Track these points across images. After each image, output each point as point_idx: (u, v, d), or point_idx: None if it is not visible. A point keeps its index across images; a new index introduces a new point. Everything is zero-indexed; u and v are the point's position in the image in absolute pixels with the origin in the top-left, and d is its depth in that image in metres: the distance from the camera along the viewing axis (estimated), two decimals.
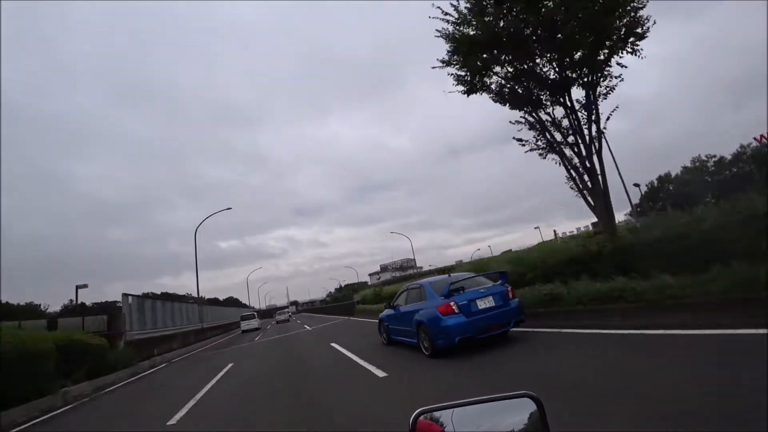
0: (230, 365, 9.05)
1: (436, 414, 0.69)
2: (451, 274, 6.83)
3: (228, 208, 30.22)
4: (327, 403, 4.21)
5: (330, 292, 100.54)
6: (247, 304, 53.52)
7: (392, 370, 5.06)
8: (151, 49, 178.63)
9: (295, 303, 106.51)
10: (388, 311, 7.31)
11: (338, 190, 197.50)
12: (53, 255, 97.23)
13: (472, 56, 8.31)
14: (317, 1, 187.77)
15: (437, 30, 8.44)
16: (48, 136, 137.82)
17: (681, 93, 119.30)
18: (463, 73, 8.75)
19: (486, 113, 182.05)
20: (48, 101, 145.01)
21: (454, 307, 5.01)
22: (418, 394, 3.92)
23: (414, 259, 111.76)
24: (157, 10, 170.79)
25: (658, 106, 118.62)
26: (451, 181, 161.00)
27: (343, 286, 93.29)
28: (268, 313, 64.01)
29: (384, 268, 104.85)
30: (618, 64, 7.90)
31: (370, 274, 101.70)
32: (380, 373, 5.00)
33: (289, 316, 36.43)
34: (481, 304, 5.10)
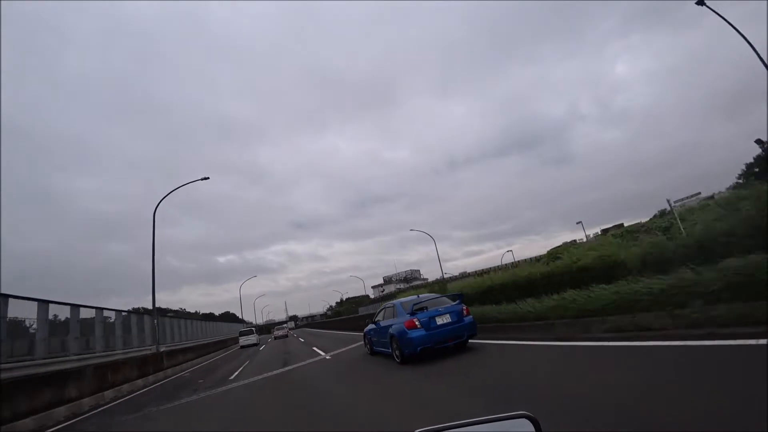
0: None
1: None
2: (420, 295, 8.06)
3: (206, 178, 19.91)
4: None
5: (331, 306, 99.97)
6: (242, 318, 53.48)
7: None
8: (151, 67, 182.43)
9: (294, 318, 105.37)
10: (371, 326, 8.52)
11: (337, 204, 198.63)
12: (51, 270, 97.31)
13: None
14: (315, 18, 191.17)
15: None
16: (45, 152, 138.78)
17: (675, 104, 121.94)
18: None
19: (484, 126, 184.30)
20: (46, 117, 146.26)
21: (417, 323, 6.25)
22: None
23: (419, 270, 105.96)
24: (157, 30, 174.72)
25: (653, 117, 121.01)
26: (449, 194, 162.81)
27: (344, 299, 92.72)
28: (266, 328, 63.75)
29: (387, 280, 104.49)
30: None
31: (373, 287, 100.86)
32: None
33: (288, 331, 35.88)
34: (440, 321, 6.33)
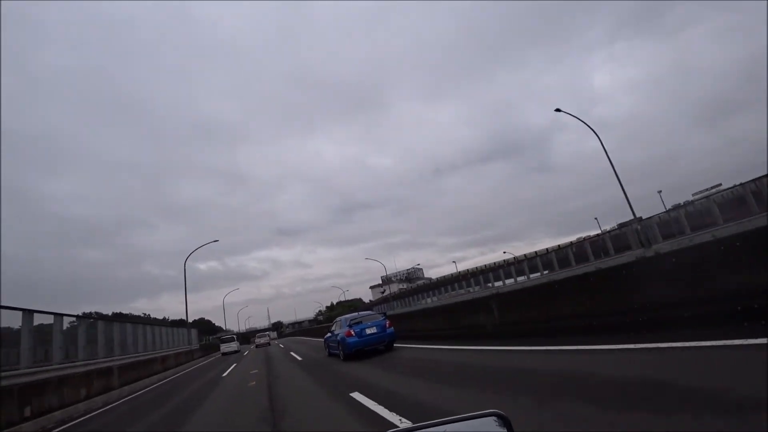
0: None
1: None
2: (360, 313, 11.17)
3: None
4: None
5: (320, 311, 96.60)
6: (225, 328, 56.03)
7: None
8: (129, 63, 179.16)
9: (278, 325, 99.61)
10: (328, 335, 11.61)
11: (321, 210, 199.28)
12: (18, 277, 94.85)
13: None
14: (302, 20, 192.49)
15: None
16: (15, 153, 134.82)
17: (656, 113, 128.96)
18: None
19: (469, 133, 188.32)
20: (17, 116, 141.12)
21: (352, 332, 9.38)
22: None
23: (422, 268, 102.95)
24: (136, 24, 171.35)
25: (633, 127, 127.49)
26: (434, 200, 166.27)
27: (335, 304, 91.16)
28: (245, 337, 64.00)
29: (387, 280, 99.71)
30: None
31: (371, 287, 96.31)
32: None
33: (269, 340, 34.90)
34: (369, 331, 9.45)
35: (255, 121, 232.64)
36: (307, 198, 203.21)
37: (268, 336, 35.68)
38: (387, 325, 9.77)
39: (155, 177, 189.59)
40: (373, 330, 9.52)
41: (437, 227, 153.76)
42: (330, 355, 11.48)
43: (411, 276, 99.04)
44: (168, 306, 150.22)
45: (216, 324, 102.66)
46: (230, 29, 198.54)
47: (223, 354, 27.50)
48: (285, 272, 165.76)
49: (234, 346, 28.85)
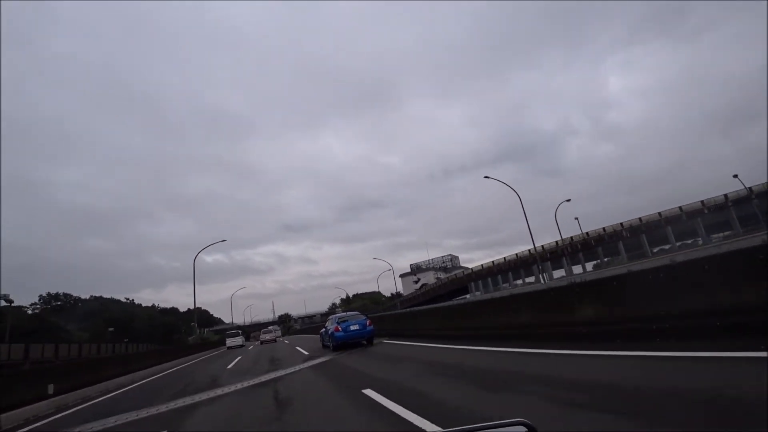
0: None
1: None
2: (347, 313, 13.66)
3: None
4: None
5: (334, 304, 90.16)
6: (223, 319, 59.98)
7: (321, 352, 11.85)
8: (138, 53, 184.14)
9: (284, 318, 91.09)
10: (322, 330, 14.20)
11: (329, 207, 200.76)
12: (25, 265, 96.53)
13: None
14: (314, 12, 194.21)
15: None
16: (23, 140, 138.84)
17: (669, 121, 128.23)
18: None
19: (480, 135, 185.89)
20: (25, 103, 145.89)
21: (339, 328, 11.89)
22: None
23: (458, 257, 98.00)
24: (146, 13, 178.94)
25: (645, 134, 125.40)
26: (442, 201, 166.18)
27: (350, 296, 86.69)
28: (248, 332, 64.26)
29: (416, 269, 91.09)
30: None
31: (402, 276, 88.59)
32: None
33: (276, 336, 32.80)
34: (352, 327, 11.98)
35: (263, 114, 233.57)
36: (314, 194, 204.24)
37: (273, 331, 33.55)
38: (368, 324, 12.27)
39: (163, 169, 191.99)
40: (356, 327, 12.03)
41: (443, 228, 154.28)
42: (324, 346, 14.04)
43: (448, 266, 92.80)
44: (173, 297, 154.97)
45: (215, 315, 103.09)
46: (240, 20, 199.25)
47: (229, 348, 29.34)
48: (290, 268, 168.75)
49: (239, 340, 30.95)
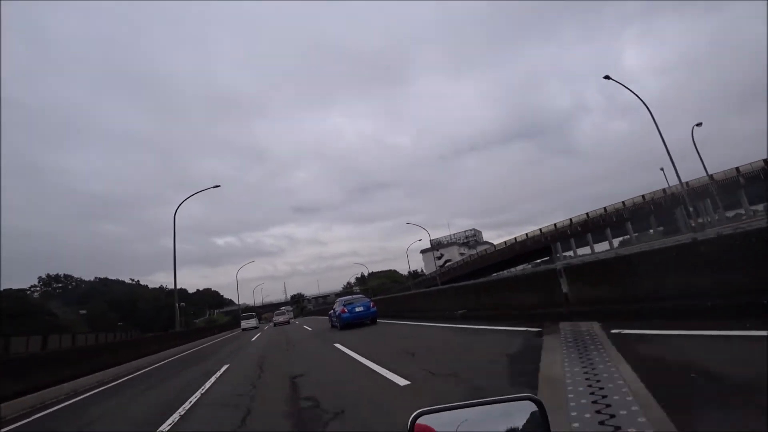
0: None
1: (436, 415, 0.71)
2: (352, 296, 14.90)
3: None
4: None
5: (349, 283, 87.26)
6: (234, 301, 60.43)
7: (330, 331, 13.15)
8: (145, 33, 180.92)
9: (297, 299, 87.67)
10: (330, 312, 15.45)
11: (338, 187, 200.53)
12: (39, 251, 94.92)
13: None
14: None
15: None
16: (33, 126, 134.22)
17: (687, 96, 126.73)
18: None
19: (492, 112, 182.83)
20: (33, 88, 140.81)
21: (345, 309, 13.13)
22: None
23: (480, 231, 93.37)
24: None
25: (665, 110, 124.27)
26: (452, 181, 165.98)
27: (366, 275, 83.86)
28: (259, 314, 67.32)
29: (437, 244, 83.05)
30: None
31: (422, 251, 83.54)
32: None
33: (289, 318, 33.42)
34: (357, 309, 13.21)
35: (272, 94, 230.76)
36: (324, 175, 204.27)
37: (286, 312, 34.16)
38: (371, 306, 13.50)
39: (172, 152, 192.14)
40: (361, 308, 13.27)
41: (454, 208, 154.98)
42: (332, 326, 15.34)
43: (471, 241, 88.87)
44: (186, 279, 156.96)
45: (225, 297, 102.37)
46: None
47: (243, 330, 31.09)
48: (301, 249, 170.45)
49: (253, 322, 32.89)
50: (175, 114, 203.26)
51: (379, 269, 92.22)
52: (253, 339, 17.10)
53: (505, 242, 53.76)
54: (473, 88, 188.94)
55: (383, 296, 26.31)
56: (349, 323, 13.08)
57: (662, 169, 36.23)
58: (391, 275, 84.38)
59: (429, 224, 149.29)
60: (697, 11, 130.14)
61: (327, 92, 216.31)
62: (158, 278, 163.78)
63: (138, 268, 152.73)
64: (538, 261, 52.79)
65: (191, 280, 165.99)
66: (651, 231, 42.12)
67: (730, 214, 36.61)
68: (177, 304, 20.03)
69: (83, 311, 59.41)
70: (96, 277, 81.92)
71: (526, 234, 50.51)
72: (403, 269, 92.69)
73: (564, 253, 47.19)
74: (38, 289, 74.60)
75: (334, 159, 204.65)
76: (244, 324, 32.55)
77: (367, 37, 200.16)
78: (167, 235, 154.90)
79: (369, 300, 13.78)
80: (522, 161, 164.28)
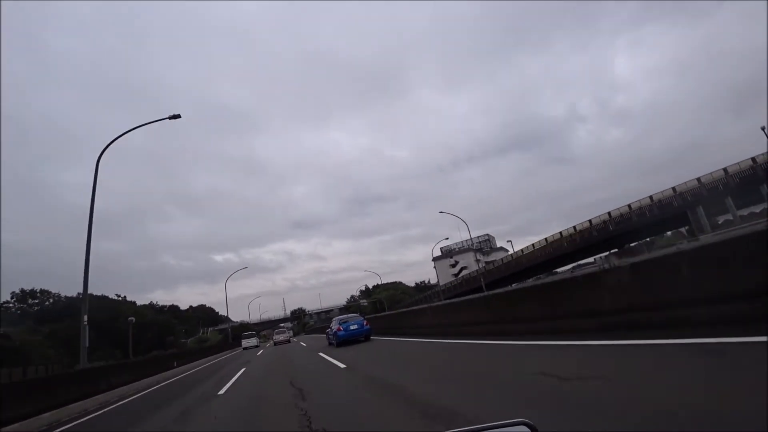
0: None
1: None
2: (348, 315, 16.37)
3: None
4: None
5: (353, 297, 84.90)
6: (229, 317, 60.55)
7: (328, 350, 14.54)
8: (143, 47, 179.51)
9: (297, 314, 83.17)
10: (328, 330, 16.83)
11: (337, 202, 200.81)
12: (34, 268, 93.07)
13: None
14: (320, 2, 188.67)
15: None
16: (29, 140, 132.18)
17: (682, 100, 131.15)
18: None
19: (487, 123, 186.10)
20: (30, 101, 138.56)
21: (341, 328, 14.60)
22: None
23: (494, 237, 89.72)
24: (150, 6, 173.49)
25: (658, 115, 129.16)
26: (450, 192, 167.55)
27: (370, 288, 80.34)
28: (260, 329, 64.69)
29: (448, 252, 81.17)
30: None
31: (435, 259, 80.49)
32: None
33: (289, 336, 32.88)
34: (352, 327, 14.70)
35: (270, 108, 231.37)
36: (322, 190, 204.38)
37: (286, 330, 33.55)
38: (365, 324, 14.99)
39: (169, 166, 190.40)
40: (355, 327, 14.75)
41: (453, 220, 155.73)
42: (329, 344, 16.70)
43: (485, 248, 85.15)
44: (185, 297, 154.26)
45: (220, 314, 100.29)
46: (244, 11, 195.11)
47: (244, 348, 32.05)
48: (300, 265, 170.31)
49: (254, 341, 33.96)
50: (174, 127, 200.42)
51: (385, 281, 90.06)
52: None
53: (533, 244, 47.39)
54: (469, 100, 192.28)
55: (391, 311, 26.99)
56: (345, 340, 14.52)
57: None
58: (398, 287, 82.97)
59: (428, 237, 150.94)
60: (686, 19, 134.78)
61: (325, 106, 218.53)
62: (156, 296, 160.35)
63: (135, 286, 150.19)
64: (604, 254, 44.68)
65: (189, 297, 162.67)
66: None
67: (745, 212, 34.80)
68: (84, 318, 13.53)
69: (46, 331, 49.35)
70: (79, 293, 77.41)
71: (574, 227, 43.12)
72: (409, 280, 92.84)
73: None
74: (11, 305, 71.28)
75: (332, 172, 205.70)
76: (245, 343, 33.71)
77: (363, 49, 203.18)
78: (165, 252, 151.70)
79: (362, 318, 15.25)
80: (519, 170, 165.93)
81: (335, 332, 14.87)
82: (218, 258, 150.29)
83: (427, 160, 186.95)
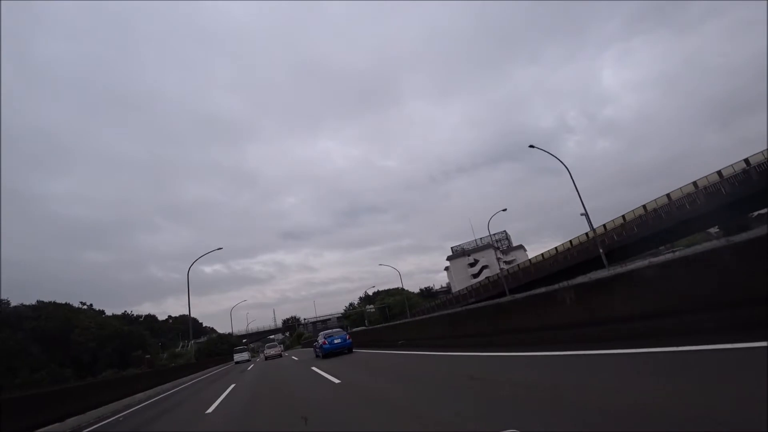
0: None
1: None
2: (332, 330, 18.01)
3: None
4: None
5: (351, 305, 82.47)
6: (216, 329, 60.60)
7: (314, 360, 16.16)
8: (133, 55, 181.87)
9: (290, 325, 77.08)
10: (315, 343, 18.43)
11: (328, 212, 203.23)
12: (18, 281, 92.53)
13: None
14: (311, 12, 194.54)
15: None
16: (14, 150, 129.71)
17: (667, 114, 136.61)
18: None
19: (477, 135, 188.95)
20: (14, 111, 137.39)
21: (326, 341, 16.30)
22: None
23: (511, 235, 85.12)
24: (141, 14, 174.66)
25: (645, 128, 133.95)
26: (441, 203, 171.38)
27: (369, 295, 79.63)
28: (248, 341, 63.85)
29: (460, 252, 77.13)
30: None
31: (449, 258, 77.49)
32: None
33: (281, 350, 32.25)
34: (336, 340, 16.38)
35: (262, 118, 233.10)
36: (313, 201, 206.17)
37: (278, 344, 32.28)
38: (347, 338, 16.62)
39: (159, 177, 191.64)
40: (338, 340, 16.39)
41: (444, 231, 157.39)
42: (317, 356, 18.28)
43: (504, 247, 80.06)
44: (172, 309, 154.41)
45: (205, 325, 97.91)
46: (235, 21, 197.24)
47: (236, 363, 32.55)
48: (291, 276, 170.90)
49: (246, 355, 34.74)
50: (164, 136, 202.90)
51: (386, 287, 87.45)
52: None
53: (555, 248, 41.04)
54: (459, 111, 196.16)
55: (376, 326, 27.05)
56: (331, 352, 16.13)
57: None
58: (403, 293, 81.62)
59: (419, 247, 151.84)
60: (671, 34, 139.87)
61: (315, 116, 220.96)
62: (145, 308, 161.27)
63: (124, 298, 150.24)
64: None
65: (177, 309, 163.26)
66: None
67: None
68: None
69: None
70: (38, 301, 61.41)
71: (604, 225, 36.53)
72: (412, 287, 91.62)
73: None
74: None
75: (323, 183, 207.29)
76: (237, 357, 34.65)
77: (354, 60, 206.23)
78: (153, 263, 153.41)
79: (345, 333, 16.86)
80: (510, 181, 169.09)
81: (321, 345, 16.50)
82: (207, 269, 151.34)
83: (417, 171, 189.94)
